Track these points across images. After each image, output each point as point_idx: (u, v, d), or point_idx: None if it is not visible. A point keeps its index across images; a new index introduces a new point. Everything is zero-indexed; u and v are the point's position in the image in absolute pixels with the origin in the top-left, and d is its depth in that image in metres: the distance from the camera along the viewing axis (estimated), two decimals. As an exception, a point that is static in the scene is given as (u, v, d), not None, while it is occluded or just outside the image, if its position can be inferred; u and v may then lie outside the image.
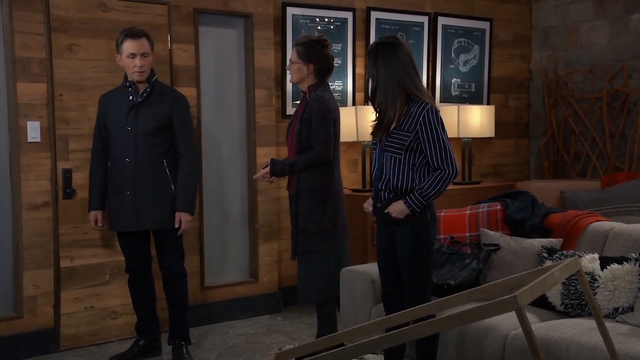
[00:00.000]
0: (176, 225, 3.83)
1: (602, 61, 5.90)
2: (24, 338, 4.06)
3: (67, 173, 4.15)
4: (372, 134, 3.25)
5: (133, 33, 3.75)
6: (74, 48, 4.19)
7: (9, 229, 4.12)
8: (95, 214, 3.92)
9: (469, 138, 5.75)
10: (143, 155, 3.75)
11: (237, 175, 4.96)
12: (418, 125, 3.10)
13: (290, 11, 5.18)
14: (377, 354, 3.47)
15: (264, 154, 4.91)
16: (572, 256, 3.20)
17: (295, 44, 3.88)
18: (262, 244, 4.96)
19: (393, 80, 3.11)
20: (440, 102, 6.00)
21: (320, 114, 3.71)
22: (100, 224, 3.93)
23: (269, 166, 3.82)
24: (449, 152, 3.13)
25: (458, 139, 5.82)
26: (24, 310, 4.08)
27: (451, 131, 5.67)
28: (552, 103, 6.22)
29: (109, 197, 3.88)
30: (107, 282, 4.30)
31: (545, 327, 2.97)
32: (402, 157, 3.12)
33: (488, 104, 6.22)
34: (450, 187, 5.51)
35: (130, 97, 3.78)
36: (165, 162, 3.80)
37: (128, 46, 3.73)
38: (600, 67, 5.89)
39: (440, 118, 3.16)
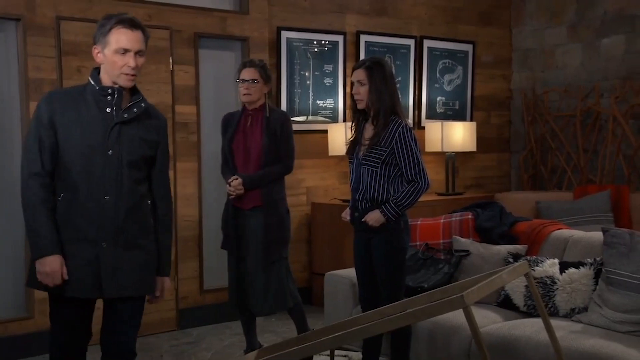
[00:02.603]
0: (157, 294, 2.73)
1: (576, 82, 6.02)
2: (35, 337, 4.16)
3: (76, 184, 4.26)
4: (347, 152, 3.36)
5: (129, 21, 2.53)
6: (82, 70, 4.33)
7: (22, 236, 4.23)
8: (60, 261, 2.49)
9: (453, 152, 5.86)
10: (128, 193, 2.56)
11: (234, 187, 5.08)
12: (394, 142, 3.22)
13: (285, 35, 5.32)
14: (357, 351, 3.58)
15: (260, 167, 5.04)
16: (535, 261, 3.30)
17: (251, 65, 3.80)
18: (257, 251, 5.07)
19: (390, 100, 3.23)
20: (426, 118, 6.13)
21: (289, 129, 3.82)
22: (66, 276, 2.51)
23: (237, 179, 3.71)
24: (422, 166, 3.24)
25: (442, 154, 5.94)
26: (35, 311, 4.19)
27: (435, 146, 5.81)
28: (530, 120, 6.34)
29: (64, 247, 2.52)
30: (112, 285, 4.41)
31: (508, 326, 3.07)
32: (379, 170, 3.23)
33: (471, 120, 6.34)
34: (435, 197, 5.73)
35: (109, 110, 2.53)
36: (149, 203, 2.68)
37: (121, 38, 2.50)
38: (574, 87, 6.01)
39: (414, 135, 3.28)
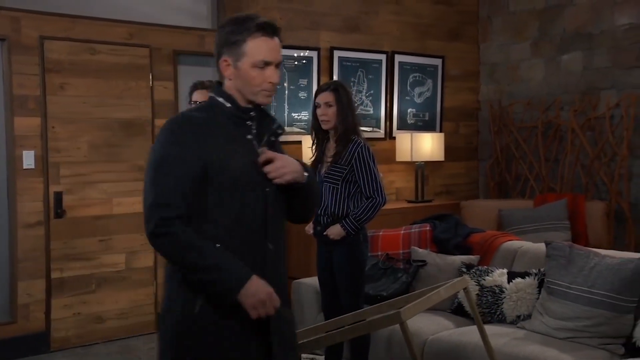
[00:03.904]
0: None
1: (539, 95, 6.17)
2: (19, 341, 4.25)
3: (58, 196, 4.37)
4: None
5: (270, 26, 1.97)
6: (65, 86, 4.42)
7: (6, 244, 4.32)
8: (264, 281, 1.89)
9: (422, 162, 6.00)
10: (282, 238, 2.04)
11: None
12: (353, 160, 3.33)
13: (261, 51, 5.42)
14: (320, 354, 3.70)
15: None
16: (485, 271, 3.44)
17: (204, 87, 3.64)
18: (233, 257, 5.18)
19: (352, 120, 3.36)
20: (397, 129, 6.26)
21: None
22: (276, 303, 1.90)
23: None
24: (379, 183, 3.36)
25: (412, 163, 6.07)
26: (18, 316, 4.27)
27: (405, 156, 5.95)
28: (496, 130, 6.49)
29: (213, 314, 1.88)
30: (94, 291, 4.51)
31: (457, 333, 3.21)
32: (339, 187, 3.35)
33: (441, 131, 6.48)
34: (405, 205, 5.87)
35: (249, 136, 1.98)
36: None
37: (261, 48, 1.94)
38: (537, 100, 6.16)
39: (372, 154, 3.39)
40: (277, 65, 1.96)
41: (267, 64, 1.93)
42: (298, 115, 5.69)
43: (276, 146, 2.04)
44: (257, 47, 1.92)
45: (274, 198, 1.94)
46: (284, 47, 6.01)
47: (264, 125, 1.99)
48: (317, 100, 3.44)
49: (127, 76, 4.66)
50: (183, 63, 4.99)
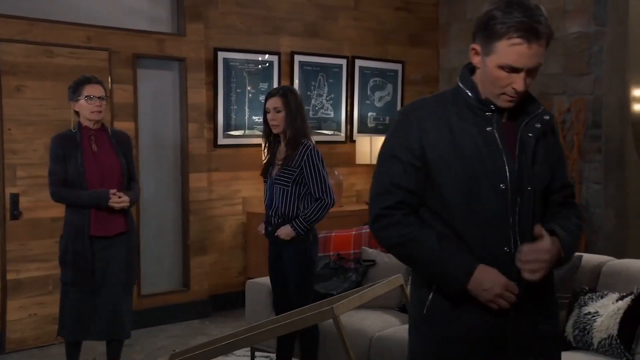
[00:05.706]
0: None
1: (494, 100, 6.33)
2: None
3: (15, 197, 4.38)
4: (262, 174, 3.57)
5: (533, 30, 1.73)
6: (22, 89, 4.44)
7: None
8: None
9: (381, 165, 6.11)
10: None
11: (172, 198, 5.24)
12: (303, 163, 3.43)
13: (222, 55, 5.50)
14: (273, 352, 3.78)
15: (196, 179, 5.22)
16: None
17: (97, 82, 3.54)
18: (193, 258, 5.24)
19: (302, 124, 3.45)
20: (358, 133, 6.37)
21: (132, 148, 3.70)
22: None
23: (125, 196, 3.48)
24: (328, 185, 3.46)
25: (372, 166, 6.18)
26: None
27: (365, 158, 6.06)
28: (454, 134, 6.63)
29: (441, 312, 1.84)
30: (50, 292, 4.52)
31: (403, 329, 3.27)
32: (290, 188, 3.44)
33: (400, 134, 6.60)
34: (364, 207, 5.93)
35: (489, 129, 1.81)
36: None
37: (511, 52, 1.73)
38: (492, 105, 6.32)
39: (321, 156, 3.49)
40: (529, 72, 1.75)
41: (514, 70, 1.74)
42: (259, 119, 5.75)
43: (547, 139, 1.83)
44: (509, 50, 1.72)
45: (515, 196, 1.76)
46: (244, 51, 6.07)
47: (523, 110, 1.81)
48: (266, 106, 3.52)
49: (86, 79, 4.68)
50: (142, 66, 5.03)
